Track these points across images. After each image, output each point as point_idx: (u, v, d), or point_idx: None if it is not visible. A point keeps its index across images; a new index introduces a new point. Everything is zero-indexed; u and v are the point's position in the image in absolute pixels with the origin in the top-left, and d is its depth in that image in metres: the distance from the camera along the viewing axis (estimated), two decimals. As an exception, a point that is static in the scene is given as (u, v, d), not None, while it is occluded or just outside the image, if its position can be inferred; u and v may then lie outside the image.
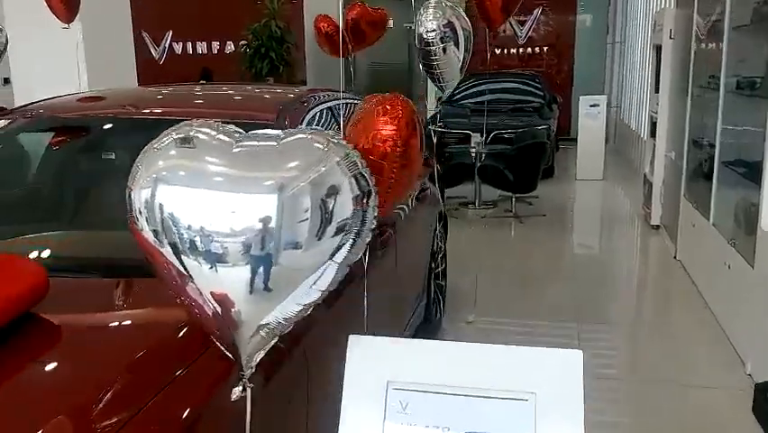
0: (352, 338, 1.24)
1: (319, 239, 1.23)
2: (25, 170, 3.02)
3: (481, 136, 8.13)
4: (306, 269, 1.27)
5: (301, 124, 2.83)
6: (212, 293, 1.24)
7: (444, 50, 3.40)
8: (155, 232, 1.22)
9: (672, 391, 3.74)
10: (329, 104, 3.20)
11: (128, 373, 1.61)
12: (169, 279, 1.29)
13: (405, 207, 3.77)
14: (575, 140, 10.26)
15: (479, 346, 1.21)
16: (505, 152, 7.98)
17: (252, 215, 1.18)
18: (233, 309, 1.25)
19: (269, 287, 1.23)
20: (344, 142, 1.39)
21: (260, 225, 1.18)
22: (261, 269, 1.20)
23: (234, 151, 1.26)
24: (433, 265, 4.30)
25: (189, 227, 1.18)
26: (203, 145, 1.27)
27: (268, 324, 1.30)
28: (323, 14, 5.03)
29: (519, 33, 14.61)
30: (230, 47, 13.63)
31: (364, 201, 1.31)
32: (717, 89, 4.83)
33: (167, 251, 1.23)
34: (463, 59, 3.54)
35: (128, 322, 2.03)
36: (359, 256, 1.38)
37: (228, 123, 2.68)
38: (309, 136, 1.35)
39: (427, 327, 4.26)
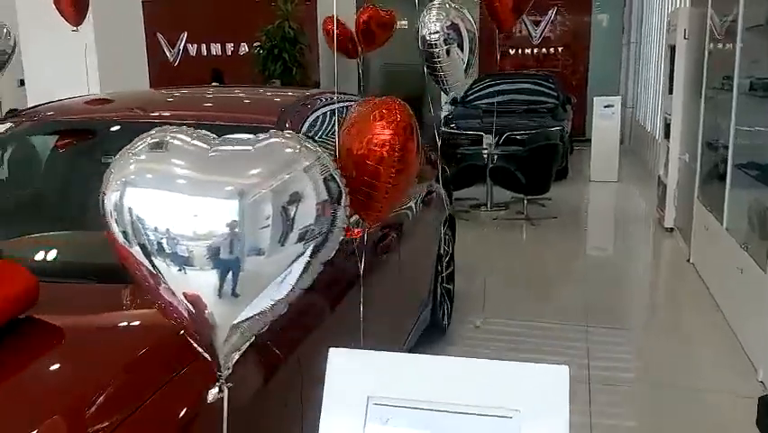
0: (333, 351, 1.21)
1: (282, 245, 1.25)
2: (26, 172, 3.03)
3: (494, 137, 8.07)
4: (271, 274, 1.29)
5: (303, 126, 2.80)
6: (184, 294, 1.26)
7: (448, 52, 3.35)
8: (124, 233, 1.24)
9: (682, 397, 3.67)
10: (333, 106, 3.18)
11: (125, 373, 1.63)
12: (143, 280, 1.30)
13: (410, 209, 3.74)
14: (590, 141, 10.16)
15: (462, 361, 1.18)
16: (517, 154, 7.92)
17: (214, 219, 1.19)
18: (206, 311, 1.26)
19: (236, 292, 1.25)
20: (315, 147, 1.40)
21: (222, 230, 1.19)
22: (228, 274, 1.22)
23: (209, 155, 1.27)
24: (439, 269, 4.25)
25: (156, 229, 1.21)
26: (176, 150, 1.28)
27: (242, 324, 1.32)
28: (330, 16, 5.01)
29: (534, 34, 14.57)
30: (244, 48, 13.67)
31: (332, 206, 1.33)
32: (730, 90, 4.75)
33: (136, 251, 1.24)
34: (468, 60, 3.49)
35: (127, 324, 2.03)
36: (329, 256, 1.41)
37: (229, 126, 2.68)
38: (282, 140, 1.35)
39: (434, 332, 4.22)
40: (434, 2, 3.40)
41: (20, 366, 1.70)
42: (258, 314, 1.33)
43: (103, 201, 1.28)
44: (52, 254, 2.40)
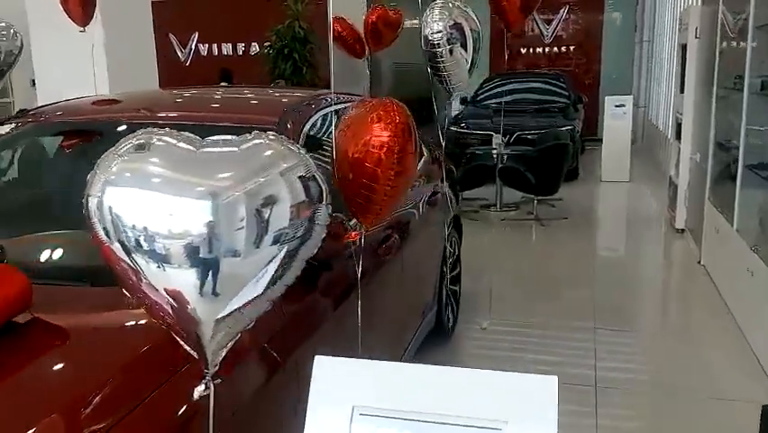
0: (318, 359, 1.19)
1: (257, 247, 1.27)
2: (28, 173, 3.03)
3: (503, 137, 8.03)
4: (248, 275, 1.31)
5: (304, 126, 2.78)
6: (165, 289, 1.28)
7: (451, 51, 3.31)
8: (105, 231, 1.27)
9: (691, 400, 3.63)
10: (337, 107, 3.16)
11: (123, 373, 1.65)
12: (126, 279, 1.32)
13: (415, 211, 3.72)
14: (602, 141, 10.08)
15: (449, 370, 1.15)
16: (526, 154, 7.86)
17: (188, 219, 1.21)
18: (188, 306, 1.28)
19: (216, 291, 1.27)
20: (298, 149, 1.41)
21: (197, 230, 1.21)
22: (206, 274, 1.24)
23: (188, 157, 1.28)
24: (445, 270, 4.22)
25: (134, 227, 1.23)
26: (157, 151, 1.29)
27: (226, 319, 1.34)
28: (337, 17, 4.99)
29: (545, 33, 14.49)
30: (254, 48, 13.70)
31: (311, 207, 1.34)
32: (741, 90, 4.69)
33: (117, 248, 1.27)
34: (472, 60, 3.45)
35: (126, 324, 2.02)
36: (311, 254, 1.43)
37: (229, 127, 2.67)
38: (265, 142, 1.37)
39: (439, 334, 4.19)
40: (437, 1, 3.37)
41: (15, 368, 1.70)
42: (241, 310, 1.36)
43: (87, 200, 1.30)
44: (55, 253, 2.40)
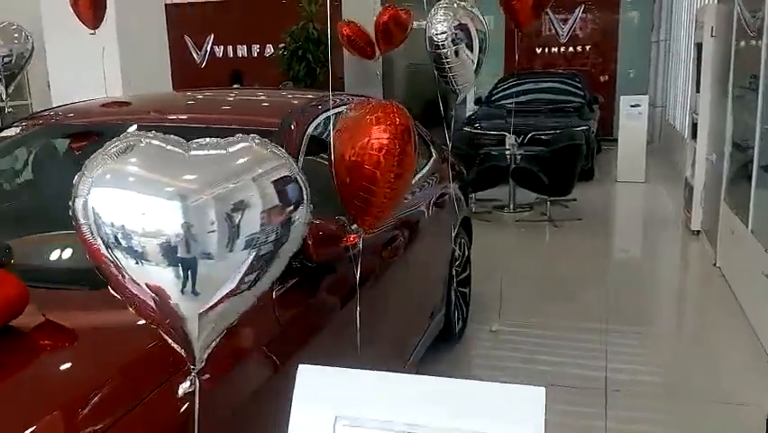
0: (301, 368, 1.17)
1: (230, 251, 1.29)
2: (31, 173, 3.05)
3: (516, 138, 7.97)
4: (224, 278, 1.33)
5: (308, 128, 2.77)
6: (147, 285, 1.31)
7: (456, 52, 3.28)
8: (89, 229, 1.30)
9: (703, 405, 3.58)
10: (340, 109, 3.14)
11: (122, 373, 1.68)
12: (112, 277, 1.34)
13: (422, 212, 3.69)
14: (618, 141, 9.98)
15: (434, 380, 1.13)
16: (540, 155, 7.80)
17: (160, 218, 1.24)
18: (170, 301, 1.31)
19: (196, 291, 1.30)
20: (281, 152, 1.43)
21: (169, 230, 1.24)
22: (184, 274, 1.27)
23: (170, 159, 1.31)
24: (454, 272, 4.19)
25: (112, 225, 1.26)
26: (139, 153, 1.31)
27: (210, 316, 1.36)
28: (346, 21, 4.97)
29: (561, 32, 14.38)
30: (269, 50, 13.73)
31: (283, 213, 1.36)
32: (757, 90, 4.61)
33: (99, 244, 1.30)
34: (478, 61, 3.41)
35: (127, 325, 2.02)
36: (293, 251, 1.45)
37: (231, 130, 2.66)
38: (248, 146, 1.39)
39: (448, 337, 4.16)
40: (442, 2, 3.33)
41: (14, 369, 1.73)
42: (225, 306, 1.37)
43: (74, 200, 1.33)
44: (58, 254, 2.41)
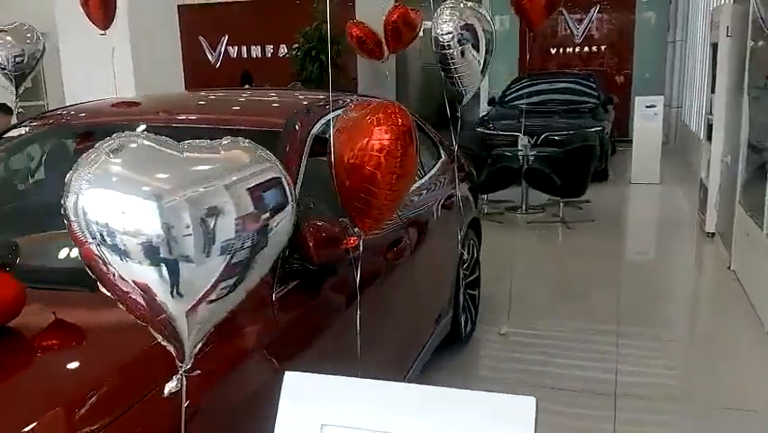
0: (288, 375, 1.15)
1: (207, 256, 1.29)
2: (34, 173, 3.05)
3: (528, 139, 7.91)
4: (204, 282, 1.33)
5: (313, 128, 2.75)
6: (134, 282, 1.31)
7: (462, 53, 3.24)
8: (79, 225, 1.31)
9: (714, 412, 3.51)
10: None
11: (121, 373, 1.69)
12: (101, 274, 1.34)
13: (430, 213, 3.66)
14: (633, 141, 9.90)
15: (423, 388, 1.10)
16: (552, 156, 7.74)
17: (138, 218, 1.25)
18: (157, 298, 1.32)
19: (180, 292, 1.31)
20: (268, 155, 1.44)
21: (148, 230, 1.25)
22: (167, 274, 1.28)
23: (167, 160, 1.32)
24: (462, 275, 4.15)
25: (98, 222, 1.28)
26: (127, 153, 1.32)
27: (198, 314, 1.37)
28: (355, 21, 4.97)
29: (576, 32, 14.28)
30: (283, 50, 13.76)
31: (258, 220, 1.35)
32: (772, 90, 4.55)
33: (88, 241, 1.31)
34: (485, 61, 3.37)
35: (127, 325, 2.03)
36: (272, 257, 1.46)
37: (235, 130, 2.64)
38: (238, 149, 1.40)
39: (455, 340, 4.12)
40: (448, 2, 3.29)
41: (14, 369, 1.74)
42: (210, 309, 1.39)
43: (65, 198, 1.33)
44: (60, 252, 2.41)
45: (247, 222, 1.32)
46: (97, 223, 1.28)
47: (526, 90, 10.84)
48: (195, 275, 1.30)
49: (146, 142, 1.33)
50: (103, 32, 4.71)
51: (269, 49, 14.08)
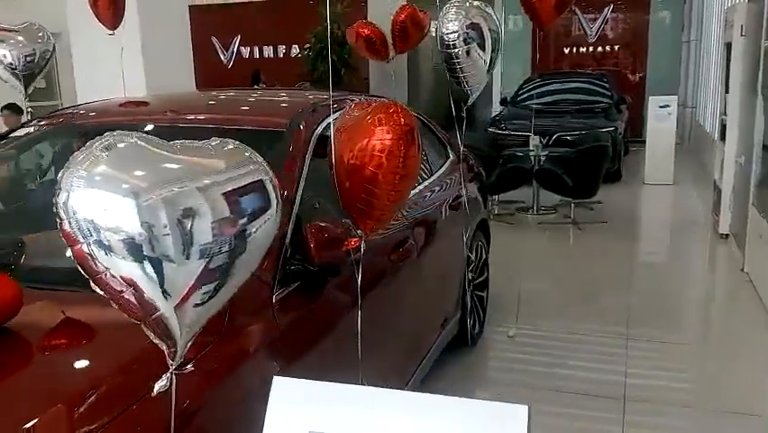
0: (276, 380, 1.13)
1: (187, 258, 1.30)
2: (38, 173, 3.06)
3: (540, 139, 7.86)
4: (187, 282, 1.33)
5: (317, 128, 2.73)
6: (122, 278, 1.32)
7: (468, 52, 3.21)
8: (69, 224, 1.32)
9: (725, 420, 3.45)
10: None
11: (121, 372, 1.69)
12: (92, 272, 1.34)
13: (436, 214, 3.63)
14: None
15: (413, 395, 1.08)
16: (564, 156, 7.68)
17: (118, 215, 1.26)
18: (145, 294, 1.32)
19: (167, 291, 1.31)
20: (255, 157, 1.46)
21: (127, 227, 1.26)
22: (152, 272, 1.29)
23: (153, 160, 1.33)
24: (470, 276, 4.12)
25: (85, 219, 1.29)
26: (116, 152, 1.33)
27: (188, 312, 1.37)
28: (363, 21, 4.96)
29: (589, 32, 14.19)
30: (295, 50, 13.78)
31: (235, 225, 1.35)
32: (786, 90, 4.48)
33: (78, 240, 1.31)
34: (491, 60, 3.34)
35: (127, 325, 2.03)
36: (257, 259, 1.46)
37: (239, 130, 2.62)
38: (221, 150, 1.41)
39: (462, 343, 4.09)
40: (453, 0, 3.26)
41: (13, 368, 1.75)
42: (197, 312, 1.39)
43: (57, 196, 1.34)
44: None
45: (223, 226, 1.32)
46: (85, 220, 1.29)
47: (539, 90, 10.79)
48: (176, 275, 1.31)
49: (135, 142, 1.34)
50: (111, 31, 4.71)
51: (282, 49, 14.11)
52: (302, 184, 2.44)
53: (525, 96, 11.02)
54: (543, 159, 7.69)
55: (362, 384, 2.10)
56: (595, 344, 4.30)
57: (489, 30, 3.27)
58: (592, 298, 5.18)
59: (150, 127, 2.86)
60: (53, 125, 3.07)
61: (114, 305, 1.39)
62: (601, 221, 7.46)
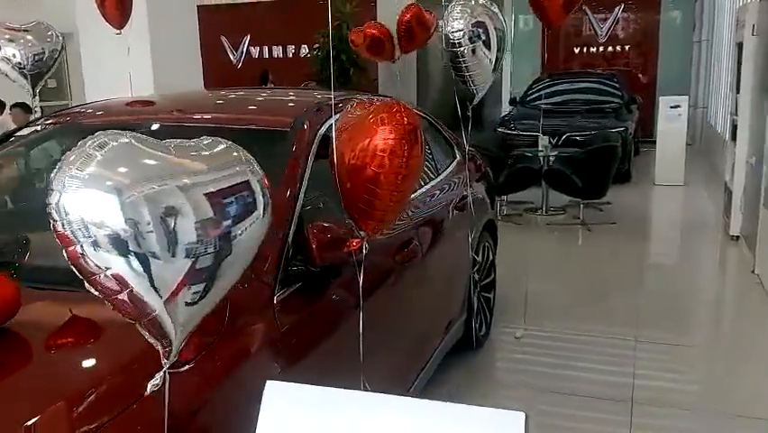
0: (269, 384, 1.11)
1: (173, 256, 1.29)
2: (41, 173, 3.05)
3: (548, 139, 7.81)
4: (176, 279, 1.33)
5: (321, 127, 2.71)
6: (112, 275, 1.31)
7: (473, 51, 3.18)
8: (61, 224, 1.30)
9: (735, 424, 3.41)
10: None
11: (120, 372, 1.69)
12: (88, 274, 1.33)
13: (441, 215, 3.61)
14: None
15: (409, 401, 1.05)
16: (573, 156, 7.64)
17: (103, 211, 1.26)
18: (133, 289, 1.32)
19: (155, 287, 1.31)
20: (245, 157, 1.45)
21: (111, 222, 1.26)
22: (138, 267, 1.29)
23: (142, 158, 1.33)
24: (477, 277, 4.09)
25: (75, 218, 1.28)
26: (109, 151, 1.32)
27: (179, 311, 1.37)
28: (372, 22, 4.93)
29: (600, 32, 14.12)
30: (304, 50, 13.77)
31: (219, 227, 1.34)
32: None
33: (69, 237, 1.30)
34: (496, 59, 3.31)
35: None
36: (236, 276, 1.45)
37: (243, 129, 2.61)
38: (209, 150, 1.42)
39: (467, 345, 4.06)
40: (459, -2, 3.23)
41: (13, 368, 1.75)
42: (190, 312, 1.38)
43: (50, 195, 1.33)
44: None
45: (207, 227, 1.32)
46: (76, 219, 1.29)
47: (548, 90, 10.75)
48: (164, 272, 1.31)
49: (126, 141, 1.33)
50: (118, 31, 4.71)
51: (291, 49, 14.11)
52: (305, 184, 2.43)
53: (534, 96, 10.97)
54: (552, 159, 7.65)
55: (364, 387, 2.10)
56: (603, 345, 4.26)
57: (495, 28, 3.24)
58: (601, 299, 5.14)
59: (155, 126, 2.86)
60: (57, 124, 3.07)
61: (108, 305, 1.38)
62: (611, 222, 7.41)
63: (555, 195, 7.75)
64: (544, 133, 8.00)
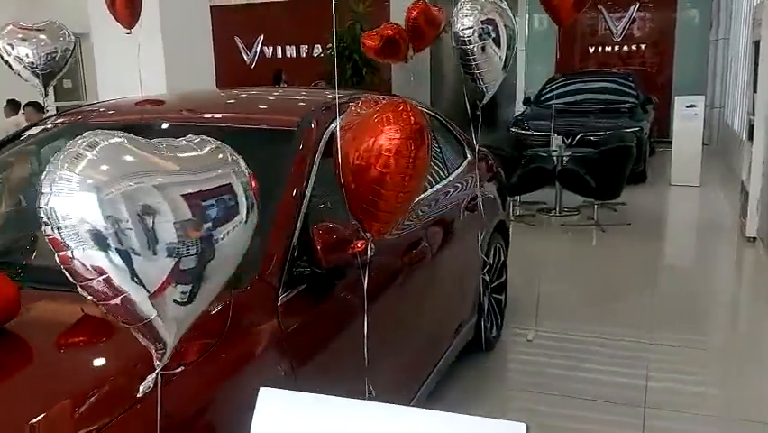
0: (263, 391, 1.08)
1: (154, 254, 1.28)
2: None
3: (562, 139, 7.75)
4: (161, 278, 1.31)
5: (328, 127, 2.68)
6: (92, 266, 1.29)
7: (483, 48, 3.14)
8: (47, 223, 1.29)
9: (754, 430, 3.34)
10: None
11: (120, 374, 1.68)
12: (77, 275, 1.32)
13: (452, 215, 3.57)
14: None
15: (408, 410, 1.02)
16: (587, 156, 7.57)
17: (83, 207, 1.25)
18: (114, 281, 1.30)
19: (139, 280, 1.29)
20: (233, 157, 1.43)
21: (91, 219, 1.25)
22: (120, 263, 1.28)
23: (130, 157, 1.32)
24: (488, 279, 4.05)
25: (58, 211, 1.26)
26: (100, 150, 1.30)
27: (171, 312, 1.36)
28: (390, 23, 4.89)
29: (615, 30, 14.00)
30: (317, 50, 13.78)
31: (199, 229, 1.33)
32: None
33: (57, 239, 1.28)
34: (506, 57, 3.27)
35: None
36: (222, 280, 1.44)
37: (249, 129, 2.58)
38: (196, 151, 1.41)
39: (481, 345, 4.02)
40: (467, -5, 3.19)
41: (13, 368, 1.74)
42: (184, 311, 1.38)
43: (40, 195, 1.31)
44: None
45: (187, 228, 1.31)
46: (64, 216, 1.27)
47: (562, 90, 10.67)
48: (146, 268, 1.30)
49: (116, 141, 1.32)
50: (128, 31, 4.71)
51: (304, 49, 14.12)
52: (311, 183, 2.40)
53: (548, 95, 10.90)
54: (565, 159, 7.59)
55: (369, 391, 2.07)
56: (616, 348, 4.21)
57: (505, 26, 3.19)
58: (614, 301, 5.08)
59: (164, 126, 2.84)
60: (65, 124, 3.06)
61: (102, 309, 1.36)
62: (625, 223, 7.33)
63: (569, 195, 7.69)
64: (557, 133, 7.94)
